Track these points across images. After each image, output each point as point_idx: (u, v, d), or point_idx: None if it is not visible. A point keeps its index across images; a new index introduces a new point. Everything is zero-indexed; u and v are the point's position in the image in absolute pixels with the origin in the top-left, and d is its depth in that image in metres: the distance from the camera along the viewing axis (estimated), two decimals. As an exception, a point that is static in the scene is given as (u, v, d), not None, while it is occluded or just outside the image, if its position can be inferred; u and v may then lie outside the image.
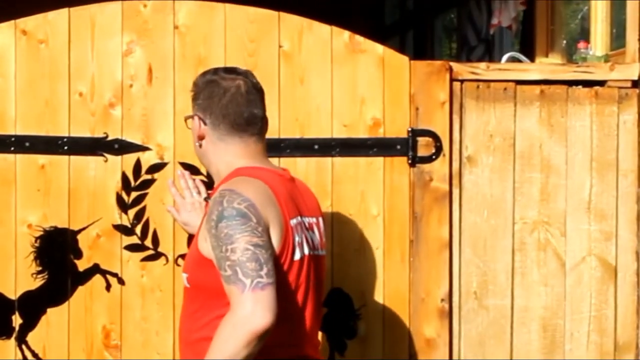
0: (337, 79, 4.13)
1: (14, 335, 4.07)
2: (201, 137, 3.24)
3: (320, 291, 3.27)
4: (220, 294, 3.01)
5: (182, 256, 4.07)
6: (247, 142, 3.21)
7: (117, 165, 4.09)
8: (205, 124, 3.21)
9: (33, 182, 4.06)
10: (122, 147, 4.09)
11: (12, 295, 4.06)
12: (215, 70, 3.28)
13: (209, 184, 4.07)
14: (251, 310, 2.90)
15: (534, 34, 6.05)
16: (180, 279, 4.05)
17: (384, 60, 4.16)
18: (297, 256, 3.12)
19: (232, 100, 3.19)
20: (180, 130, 4.08)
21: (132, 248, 4.09)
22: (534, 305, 4.22)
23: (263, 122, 3.25)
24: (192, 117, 3.26)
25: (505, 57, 4.90)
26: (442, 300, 4.18)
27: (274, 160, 3.98)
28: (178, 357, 4.04)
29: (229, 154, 3.21)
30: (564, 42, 5.99)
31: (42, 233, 4.06)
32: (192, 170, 4.07)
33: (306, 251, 3.16)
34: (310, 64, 4.12)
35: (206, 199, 3.19)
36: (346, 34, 4.15)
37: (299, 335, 3.14)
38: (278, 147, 4.03)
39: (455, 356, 4.20)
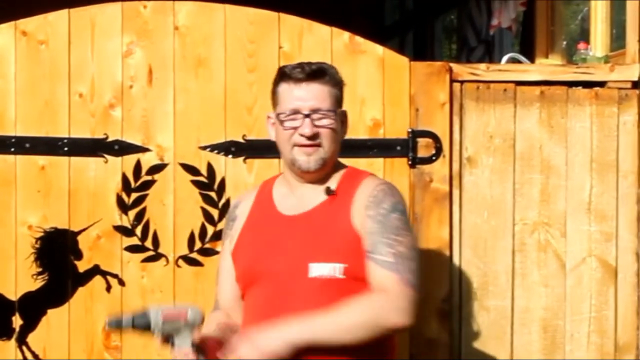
0: (337, 80, 4.13)
1: (15, 337, 4.07)
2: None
3: None
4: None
5: (183, 257, 4.08)
6: None
7: (117, 166, 4.09)
8: None
9: (33, 183, 4.06)
10: (122, 148, 4.09)
11: (13, 296, 4.06)
12: None
13: (208, 185, 4.07)
14: (407, 307, 3.01)
15: (534, 34, 6.04)
16: (181, 279, 4.06)
17: (384, 61, 4.15)
18: None
19: None
20: (180, 131, 4.08)
21: (132, 249, 4.09)
22: (535, 306, 4.22)
23: None
24: (343, 112, 3.27)
25: (505, 58, 4.90)
26: (443, 301, 4.18)
27: (274, 161, 3.98)
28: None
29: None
30: (564, 43, 5.99)
31: (42, 234, 4.06)
32: (192, 170, 4.08)
33: None
34: (310, 64, 4.12)
35: (329, 192, 3.18)
36: (346, 34, 4.15)
37: None
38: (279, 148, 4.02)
39: (455, 357, 4.20)
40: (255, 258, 3.20)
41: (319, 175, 3.21)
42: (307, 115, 3.14)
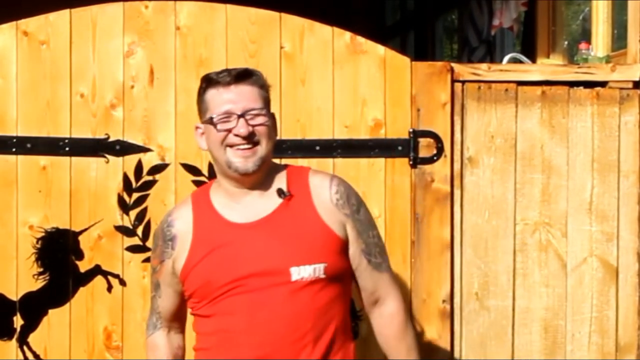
0: (339, 80, 4.13)
1: (16, 337, 4.07)
2: None
3: None
4: (347, 282, 3.18)
5: (184, 257, 4.07)
6: None
7: (119, 166, 4.09)
8: None
9: (34, 183, 4.06)
10: (123, 148, 4.09)
11: (14, 296, 4.06)
12: None
13: (210, 185, 4.07)
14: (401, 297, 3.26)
15: (535, 35, 6.05)
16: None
17: (385, 61, 4.16)
18: None
19: None
20: (182, 131, 4.08)
21: (133, 249, 4.09)
22: (536, 306, 4.22)
23: None
24: (273, 114, 3.22)
25: (506, 58, 4.90)
26: (444, 301, 4.18)
27: (276, 162, 3.98)
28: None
29: None
30: (565, 43, 5.99)
31: (43, 234, 4.06)
32: (193, 171, 4.08)
33: None
34: (311, 64, 4.12)
35: (283, 194, 3.11)
36: (347, 34, 4.15)
37: None
38: (280, 148, 4.02)
39: (456, 357, 4.20)
40: (220, 271, 3.09)
41: (259, 178, 3.13)
42: (240, 116, 3.08)
